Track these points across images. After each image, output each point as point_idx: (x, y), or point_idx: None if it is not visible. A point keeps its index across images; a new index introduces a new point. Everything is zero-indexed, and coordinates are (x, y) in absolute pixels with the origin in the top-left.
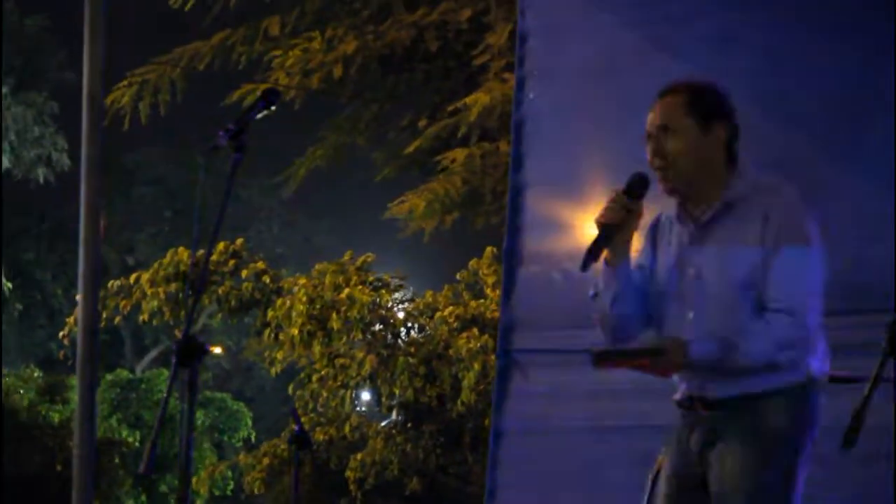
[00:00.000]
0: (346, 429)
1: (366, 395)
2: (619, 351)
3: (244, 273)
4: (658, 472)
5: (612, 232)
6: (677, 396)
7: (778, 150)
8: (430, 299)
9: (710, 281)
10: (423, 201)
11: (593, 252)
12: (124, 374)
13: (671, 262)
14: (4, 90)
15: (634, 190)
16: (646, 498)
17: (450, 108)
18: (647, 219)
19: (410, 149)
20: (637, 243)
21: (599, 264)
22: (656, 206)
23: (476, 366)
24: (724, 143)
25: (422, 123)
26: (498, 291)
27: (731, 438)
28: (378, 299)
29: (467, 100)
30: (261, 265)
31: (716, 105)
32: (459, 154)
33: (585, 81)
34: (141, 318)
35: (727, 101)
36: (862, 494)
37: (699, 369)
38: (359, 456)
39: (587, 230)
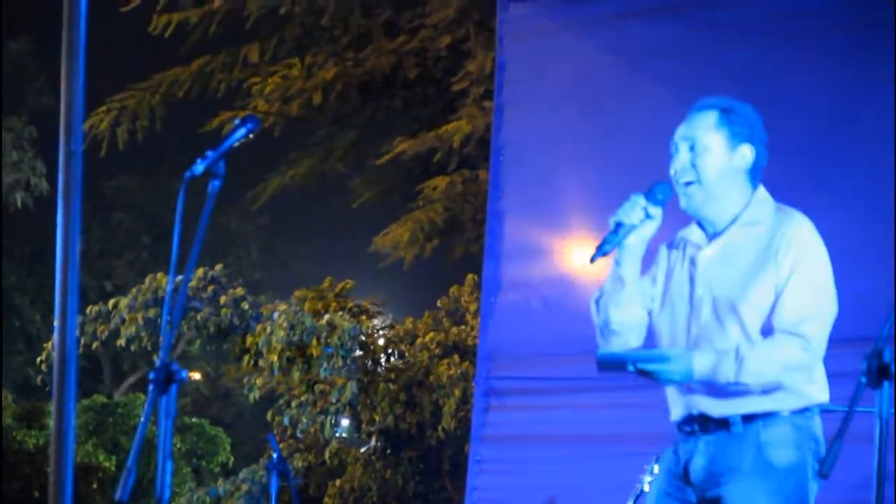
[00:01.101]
0: (326, 455)
1: (345, 422)
2: (621, 355)
3: (223, 299)
4: (638, 496)
5: (626, 231)
6: (675, 416)
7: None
8: (410, 326)
9: (721, 300)
10: (408, 231)
11: (604, 247)
12: (100, 398)
13: (684, 278)
14: None
15: (657, 194)
16: None
17: (431, 135)
18: (663, 233)
19: (383, 160)
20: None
21: (608, 265)
22: (676, 223)
23: (457, 392)
24: (749, 165)
25: (399, 142)
26: (478, 318)
27: (740, 477)
28: (359, 325)
29: (449, 127)
30: (240, 291)
31: (746, 125)
32: (441, 182)
33: (565, 108)
34: (119, 343)
35: (758, 124)
36: None
37: (700, 385)
38: (338, 482)
39: (566, 257)
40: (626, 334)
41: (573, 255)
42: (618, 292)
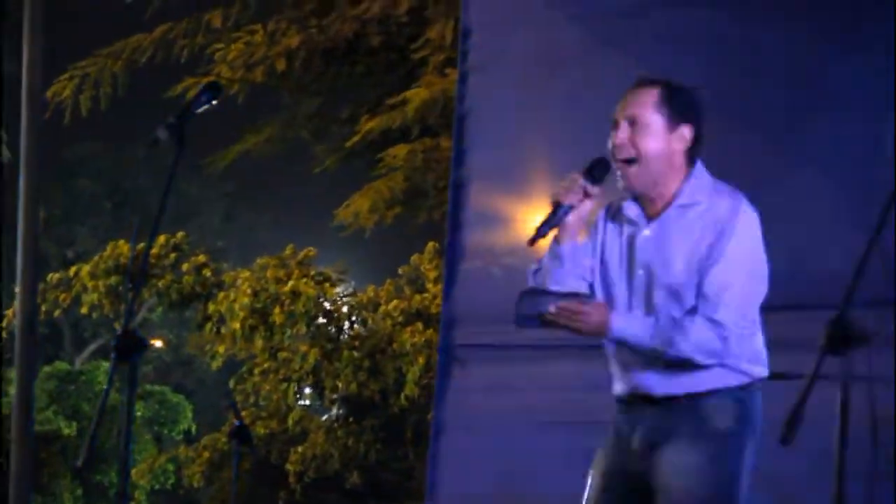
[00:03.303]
0: (289, 422)
1: (308, 389)
2: (545, 291)
3: (185, 266)
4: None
5: (565, 212)
6: (618, 391)
7: (727, 146)
8: (373, 294)
9: (656, 278)
10: (368, 201)
11: (542, 229)
12: (63, 366)
13: (621, 255)
14: None
15: (595, 173)
16: (586, 494)
17: (389, 102)
18: (600, 204)
19: (350, 143)
20: (585, 226)
21: (547, 241)
22: (610, 195)
23: (420, 360)
24: (688, 144)
25: (363, 119)
26: (440, 286)
27: (678, 439)
28: (322, 293)
29: (407, 94)
30: (202, 258)
31: (686, 105)
32: (401, 150)
33: (529, 76)
34: (81, 310)
35: (698, 104)
36: (806, 487)
37: (635, 357)
38: (299, 449)
39: (529, 225)
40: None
41: (537, 222)
42: (556, 268)
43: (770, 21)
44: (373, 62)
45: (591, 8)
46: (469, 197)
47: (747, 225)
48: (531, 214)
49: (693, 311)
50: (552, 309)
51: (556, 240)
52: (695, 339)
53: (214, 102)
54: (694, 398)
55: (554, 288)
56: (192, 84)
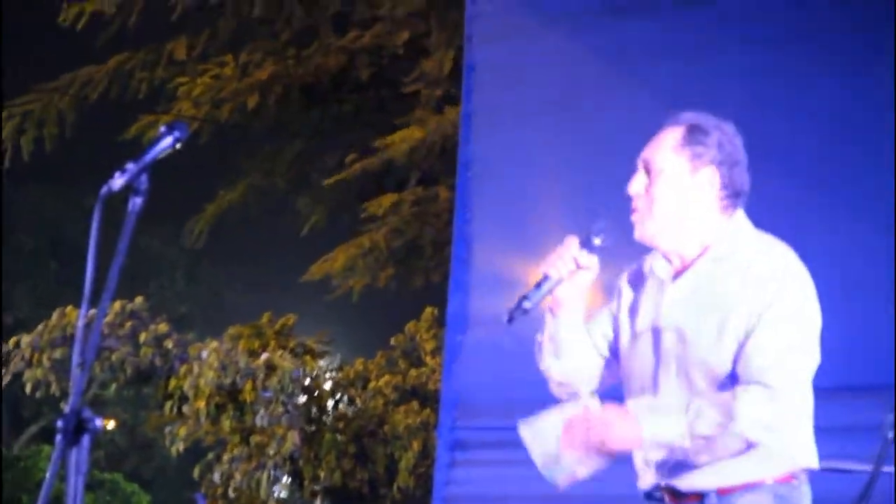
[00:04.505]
0: None
1: (285, 479)
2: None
3: (143, 336)
4: None
5: (552, 286)
6: (642, 486)
7: (765, 194)
8: (361, 367)
9: (688, 345)
10: (345, 258)
11: (521, 302)
12: None
13: (645, 319)
14: None
15: (592, 241)
16: None
17: (377, 144)
18: (612, 272)
19: (331, 181)
20: (597, 297)
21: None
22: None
23: (415, 444)
24: (718, 190)
25: (349, 159)
26: (438, 359)
27: None
28: (302, 367)
29: (395, 137)
30: (162, 327)
31: (717, 146)
32: (386, 200)
33: (543, 119)
34: (23, 389)
35: (732, 143)
36: None
37: (665, 450)
38: None
39: None
40: (571, 384)
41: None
42: (555, 346)
43: (791, 59)
44: (361, 100)
45: (614, 43)
46: (475, 256)
47: (798, 284)
48: None
49: (734, 382)
50: (563, 422)
51: (553, 314)
52: (747, 411)
53: (178, 146)
54: (726, 495)
55: (556, 366)
56: (151, 123)
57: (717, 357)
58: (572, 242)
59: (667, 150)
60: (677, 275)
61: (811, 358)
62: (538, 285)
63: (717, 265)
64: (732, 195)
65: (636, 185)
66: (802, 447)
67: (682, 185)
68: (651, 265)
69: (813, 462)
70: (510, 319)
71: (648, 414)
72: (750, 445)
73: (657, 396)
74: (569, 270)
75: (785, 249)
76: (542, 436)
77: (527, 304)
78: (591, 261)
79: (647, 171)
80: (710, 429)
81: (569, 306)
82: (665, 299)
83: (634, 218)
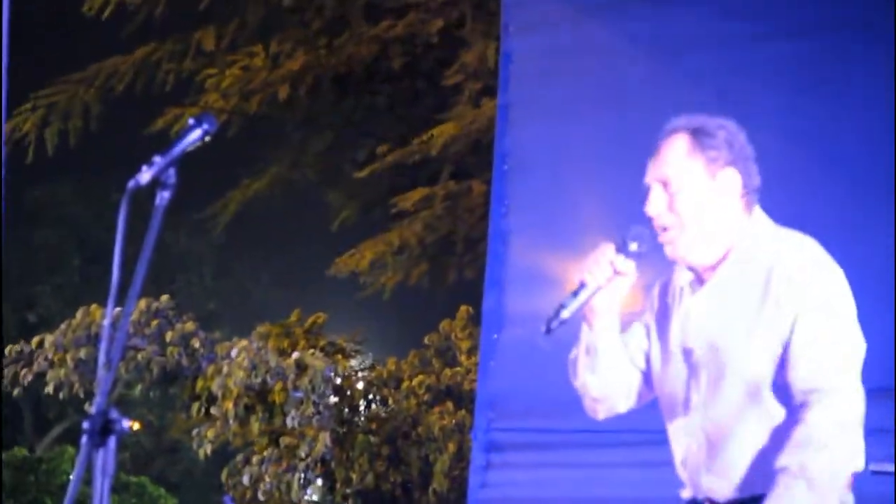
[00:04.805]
0: None
1: (317, 482)
2: None
3: (169, 335)
4: None
5: (590, 293)
6: (685, 497)
7: (801, 192)
8: (394, 367)
9: (721, 360)
10: (371, 254)
11: (559, 311)
12: (21, 452)
13: (674, 332)
14: None
15: (628, 247)
16: None
17: (416, 141)
18: (647, 280)
19: (363, 173)
20: (635, 305)
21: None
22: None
23: (451, 447)
24: (737, 191)
25: (381, 150)
26: (474, 358)
27: None
28: (333, 366)
29: (434, 131)
30: (189, 326)
31: (726, 145)
32: (416, 195)
33: (582, 112)
34: (46, 390)
35: (738, 139)
36: None
37: (695, 455)
38: None
39: None
40: (609, 399)
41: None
42: (591, 359)
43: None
44: (395, 91)
45: (657, 31)
46: (511, 252)
47: (830, 275)
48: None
49: (784, 392)
50: None
51: (589, 325)
52: (809, 431)
53: (207, 139)
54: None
55: (593, 381)
56: (178, 116)
57: (751, 362)
58: (608, 248)
59: (679, 161)
60: (701, 283)
61: (859, 349)
62: (575, 293)
63: (742, 267)
64: (751, 192)
65: (656, 205)
66: (857, 449)
67: (704, 194)
68: (677, 275)
69: (861, 464)
70: (548, 330)
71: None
72: (845, 458)
73: (692, 415)
74: (606, 277)
75: (809, 241)
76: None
77: (564, 314)
78: (629, 266)
79: (665, 187)
80: (826, 471)
81: (605, 316)
82: (692, 310)
83: (665, 238)
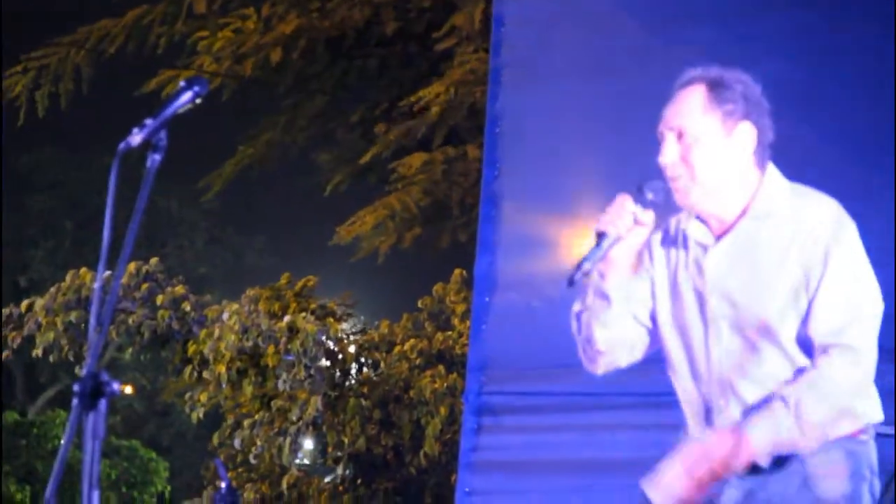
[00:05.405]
0: (283, 485)
1: (308, 445)
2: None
3: (160, 299)
4: None
5: (612, 243)
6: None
7: (810, 153)
8: (386, 331)
9: (743, 314)
10: (374, 219)
11: (582, 266)
12: (12, 416)
13: (689, 287)
14: None
15: (646, 196)
16: None
17: (402, 104)
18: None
19: (367, 157)
20: (638, 259)
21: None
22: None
23: (442, 410)
24: (753, 145)
25: (378, 129)
26: (467, 322)
27: None
28: (325, 329)
29: (423, 92)
30: (180, 289)
31: (743, 99)
32: (417, 160)
33: (574, 77)
34: (35, 352)
35: (758, 97)
36: None
37: (719, 414)
38: None
39: (575, 250)
40: (614, 353)
41: (583, 247)
42: (603, 310)
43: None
44: (388, 55)
45: (651, 1)
46: (503, 216)
47: (849, 232)
48: (577, 238)
49: (807, 346)
50: (685, 469)
51: (602, 276)
52: (831, 389)
53: (198, 101)
54: (794, 455)
55: (601, 334)
56: (171, 78)
57: (774, 314)
58: (626, 199)
59: (696, 113)
60: (719, 237)
61: (877, 306)
62: (598, 244)
63: (761, 223)
64: (765, 147)
65: (669, 154)
66: (871, 400)
67: (719, 147)
68: (683, 228)
69: (879, 416)
70: (571, 283)
71: (758, 422)
72: (841, 412)
73: (710, 364)
74: (627, 227)
75: (826, 198)
76: (670, 491)
77: (587, 266)
78: (648, 217)
79: (679, 137)
80: (818, 414)
81: (620, 267)
82: (708, 263)
83: (675, 186)
